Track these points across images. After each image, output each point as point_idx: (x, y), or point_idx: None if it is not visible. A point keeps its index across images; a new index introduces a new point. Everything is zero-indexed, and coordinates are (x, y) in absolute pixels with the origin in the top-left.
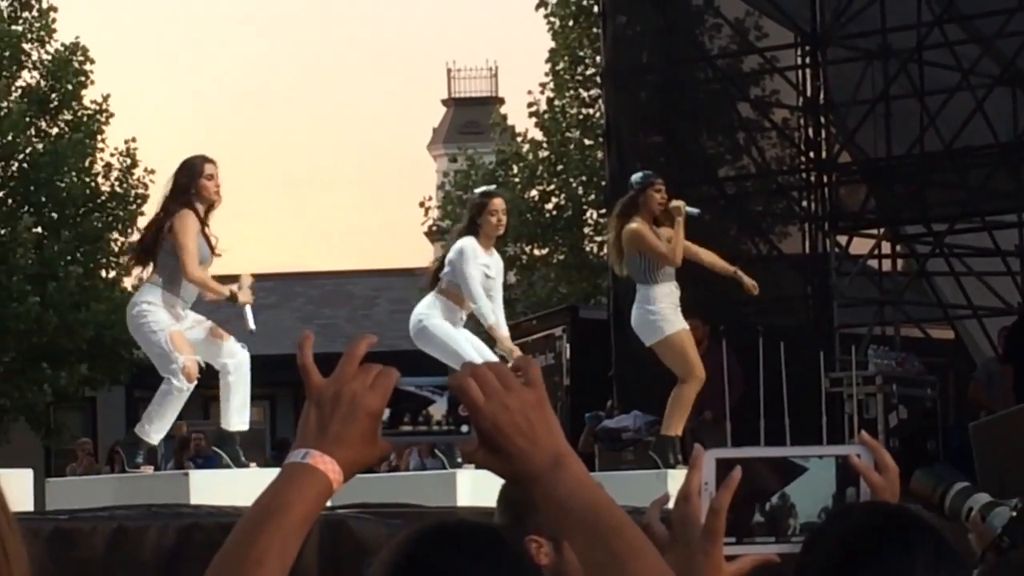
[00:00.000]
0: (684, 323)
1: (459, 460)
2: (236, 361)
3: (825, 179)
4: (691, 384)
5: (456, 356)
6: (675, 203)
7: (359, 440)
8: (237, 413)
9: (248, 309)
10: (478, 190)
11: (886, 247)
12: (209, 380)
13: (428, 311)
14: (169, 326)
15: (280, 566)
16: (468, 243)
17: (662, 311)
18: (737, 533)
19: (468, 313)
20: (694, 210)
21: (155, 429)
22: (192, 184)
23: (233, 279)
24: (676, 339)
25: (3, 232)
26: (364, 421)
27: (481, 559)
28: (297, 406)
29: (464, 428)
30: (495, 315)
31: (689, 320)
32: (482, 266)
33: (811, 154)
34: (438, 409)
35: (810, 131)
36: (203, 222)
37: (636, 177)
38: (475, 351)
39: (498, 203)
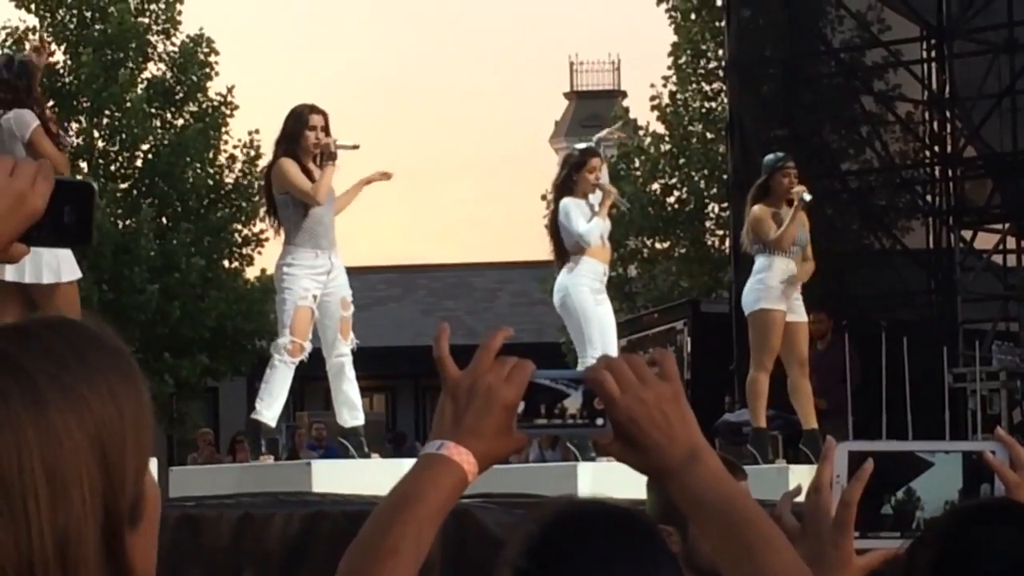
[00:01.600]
0: (783, 305)
1: (592, 454)
2: (336, 362)
3: (950, 173)
4: (756, 371)
5: (580, 341)
6: (796, 188)
7: (494, 432)
8: (347, 410)
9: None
10: (578, 146)
11: (1011, 242)
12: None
13: (567, 281)
14: (300, 299)
15: (415, 555)
16: (565, 201)
17: (768, 284)
18: (864, 526)
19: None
20: (808, 196)
21: (266, 406)
22: (297, 132)
23: (356, 271)
24: (767, 316)
25: (127, 223)
26: (499, 414)
27: (618, 540)
28: (417, 398)
29: (599, 421)
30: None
31: (814, 313)
32: (586, 211)
33: (936, 148)
34: (573, 402)
35: (935, 125)
36: (307, 170)
37: (768, 159)
38: (601, 338)
39: (595, 162)
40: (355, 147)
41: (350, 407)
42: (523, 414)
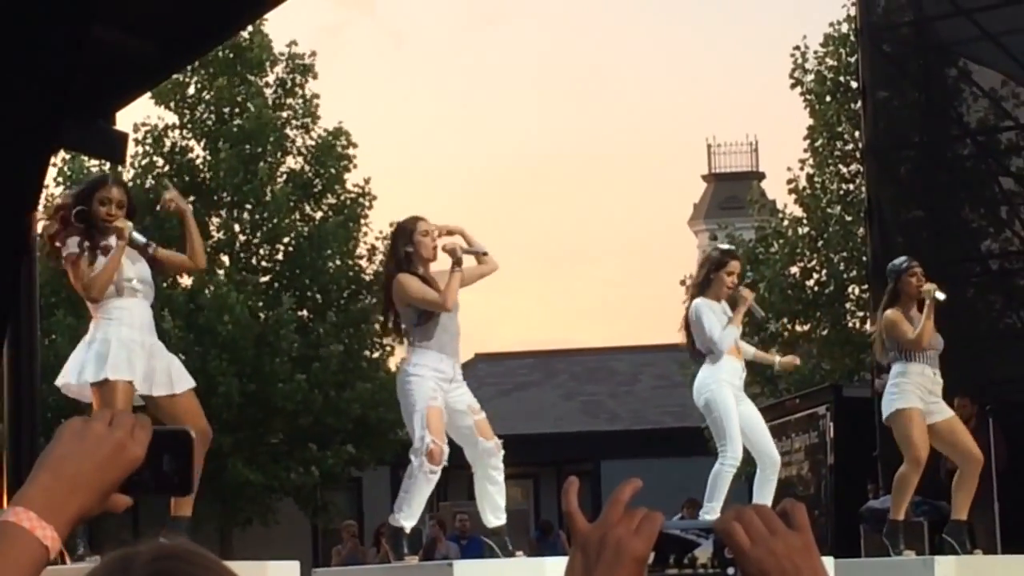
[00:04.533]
0: (920, 403)
1: None
2: (482, 463)
3: None
4: (908, 466)
5: (721, 437)
6: (926, 287)
7: None
8: (491, 511)
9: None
10: (720, 245)
11: None
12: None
13: (707, 380)
14: (430, 400)
15: None
16: (699, 303)
17: (901, 387)
18: None
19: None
20: (941, 295)
21: (405, 516)
22: (408, 244)
23: (496, 356)
24: (903, 415)
25: (268, 315)
26: (630, 566)
27: None
28: (560, 484)
29: (730, 571)
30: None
31: (956, 398)
32: (720, 316)
33: None
34: (703, 552)
35: None
36: (424, 279)
37: (893, 265)
38: (751, 435)
39: (735, 265)
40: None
41: (493, 508)
42: (653, 564)
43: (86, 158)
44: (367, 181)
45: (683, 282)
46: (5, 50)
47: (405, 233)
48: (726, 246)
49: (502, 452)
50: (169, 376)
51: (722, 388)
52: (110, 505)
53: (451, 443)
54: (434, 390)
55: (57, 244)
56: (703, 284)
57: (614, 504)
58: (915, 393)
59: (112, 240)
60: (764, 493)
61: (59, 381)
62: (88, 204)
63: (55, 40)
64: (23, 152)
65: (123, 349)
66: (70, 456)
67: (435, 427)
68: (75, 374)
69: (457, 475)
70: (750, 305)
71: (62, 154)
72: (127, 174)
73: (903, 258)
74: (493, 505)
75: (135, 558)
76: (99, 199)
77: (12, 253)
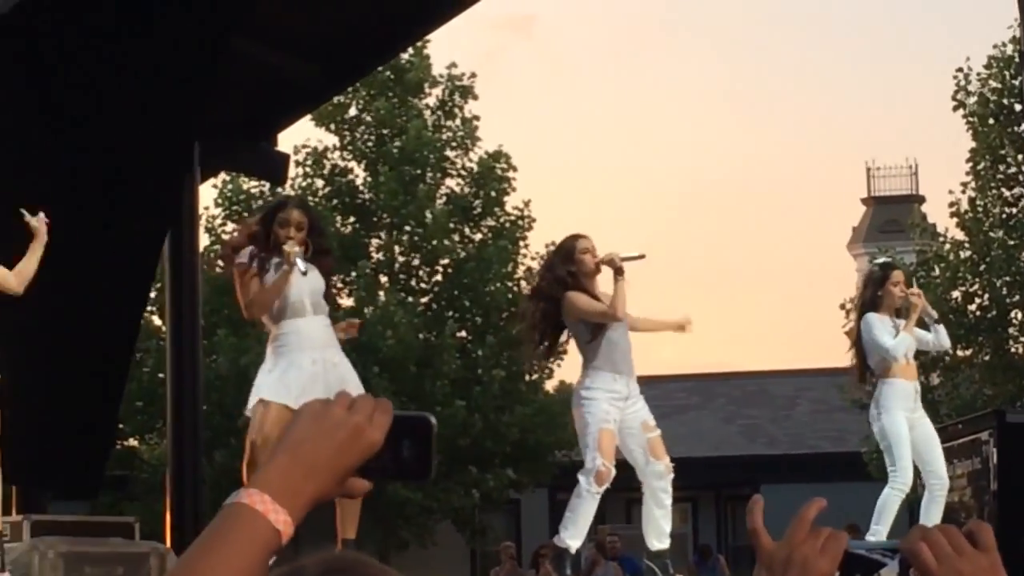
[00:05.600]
0: None
1: None
2: (653, 486)
3: None
4: None
5: (891, 461)
6: None
7: None
8: (655, 536)
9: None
10: (877, 261)
11: None
12: (631, 482)
13: (881, 406)
14: (602, 422)
15: None
16: (868, 316)
17: None
18: None
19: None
20: None
21: (571, 535)
22: (570, 264)
23: (655, 379)
24: None
25: (428, 337)
26: None
27: None
28: (718, 508)
29: None
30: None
31: None
32: (891, 329)
33: None
34: (889, 572)
35: None
36: (594, 295)
37: None
38: (926, 455)
39: (898, 274)
40: (641, 256)
41: (658, 532)
42: None
43: (245, 179)
44: (527, 204)
45: (843, 306)
46: (141, 74)
47: (566, 253)
48: (884, 259)
49: (671, 475)
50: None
51: (894, 415)
52: (348, 489)
53: (618, 465)
54: (607, 412)
55: (233, 253)
56: (871, 302)
57: (800, 523)
58: None
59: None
60: (931, 513)
61: (248, 412)
62: (269, 224)
63: (190, 61)
64: (161, 173)
65: (302, 374)
66: (308, 439)
67: (606, 449)
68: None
69: (614, 497)
70: (922, 310)
71: (222, 175)
72: (287, 194)
73: None
74: (658, 529)
75: (303, 571)
76: (279, 220)
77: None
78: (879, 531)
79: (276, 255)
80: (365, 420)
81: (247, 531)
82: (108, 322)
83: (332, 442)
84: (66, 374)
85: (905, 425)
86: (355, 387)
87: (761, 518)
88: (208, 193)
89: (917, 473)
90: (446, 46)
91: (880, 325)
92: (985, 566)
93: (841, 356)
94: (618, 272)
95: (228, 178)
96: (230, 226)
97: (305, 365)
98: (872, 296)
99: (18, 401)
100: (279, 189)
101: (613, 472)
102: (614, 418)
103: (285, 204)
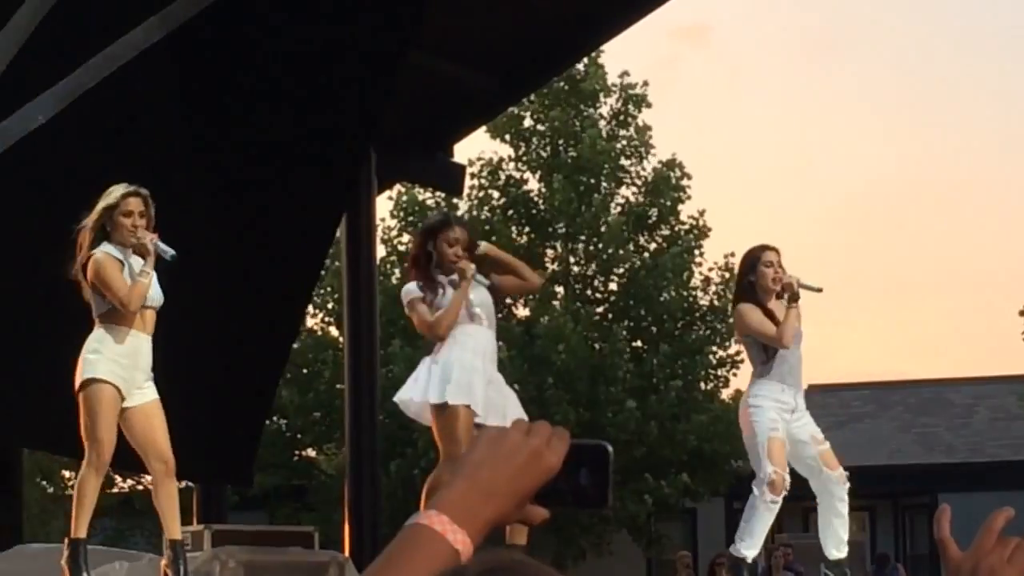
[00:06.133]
0: None
1: None
2: (829, 494)
3: None
4: None
5: None
6: None
7: None
8: (834, 545)
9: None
10: None
11: None
12: (808, 491)
13: None
14: (770, 431)
15: None
16: None
17: None
18: None
19: None
20: None
21: (747, 545)
22: (752, 274)
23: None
24: None
25: (602, 345)
26: None
27: None
28: (896, 517)
29: None
30: None
31: None
32: None
33: None
34: None
35: None
36: (765, 310)
37: None
38: None
39: None
40: (819, 290)
41: (836, 541)
42: None
43: (420, 190)
44: (701, 213)
45: (1022, 312)
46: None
47: (751, 261)
48: None
49: (847, 484)
50: (504, 413)
51: None
52: (526, 515)
53: (792, 474)
54: (775, 420)
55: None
56: None
57: (987, 532)
58: None
59: (446, 277)
60: None
61: (399, 396)
62: (434, 244)
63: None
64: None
65: (465, 373)
66: (486, 463)
67: (777, 457)
68: (419, 392)
69: (791, 507)
70: None
71: (398, 187)
72: (463, 205)
73: None
74: (836, 538)
75: (463, 572)
76: (446, 240)
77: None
78: None
79: (445, 274)
80: (543, 444)
81: (427, 550)
82: (270, 316)
83: (510, 465)
84: (225, 363)
85: None
86: (516, 413)
87: (948, 528)
88: (384, 205)
89: None
90: (621, 55)
91: None
92: None
93: (1021, 363)
94: (793, 298)
95: (404, 189)
96: (406, 237)
97: (476, 372)
98: None
99: (178, 391)
100: (455, 200)
101: (788, 480)
102: (782, 427)
103: (449, 223)
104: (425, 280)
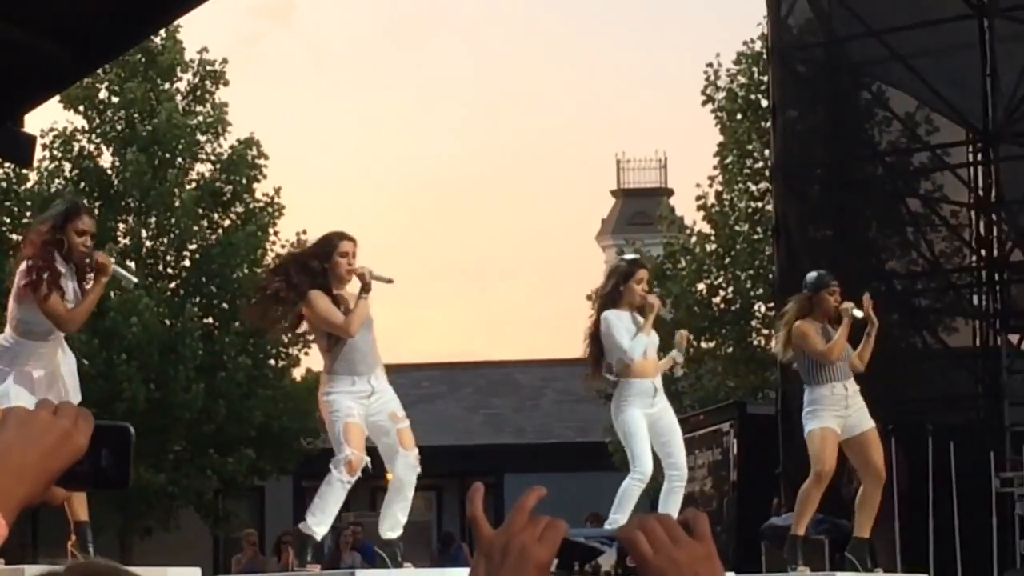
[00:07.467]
0: (834, 422)
1: None
2: (400, 476)
3: (996, 277)
4: (811, 480)
5: (631, 457)
6: (844, 305)
7: None
8: (389, 525)
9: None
10: (626, 256)
11: None
12: (378, 471)
13: (618, 403)
14: (347, 416)
15: None
16: (608, 315)
17: (815, 411)
18: None
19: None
20: (858, 313)
21: (318, 522)
22: (326, 261)
23: (402, 367)
24: (815, 434)
25: (173, 322)
26: (533, 573)
27: None
28: (463, 497)
29: None
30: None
31: None
32: (630, 326)
33: (982, 252)
34: (607, 559)
35: (981, 228)
36: (335, 299)
37: (812, 278)
38: (649, 455)
39: (643, 273)
40: (390, 281)
41: (392, 523)
42: (557, 571)
43: None
44: (277, 191)
45: (589, 297)
46: None
47: (327, 248)
48: (632, 255)
49: (418, 468)
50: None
51: (630, 410)
52: (48, 497)
53: (369, 454)
54: (350, 408)
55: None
56: (611, 295)
57: (518, 511)
58: (829, 413)
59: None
60: (670, 504)
61: None
62: (64, 234)
63: None
64: None
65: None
66: (16, 444)
67: (354, 440)
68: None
69: (359, 486)
70: (658, 310)
71: None
72: (32, 177)
73: (822, 272)
74: (393, 519)
75: None
76: (75, 230)
77: None
78: (617, 520)
79: (77, 267)
80: (71, 425)
81: None
82: None
83: (40, 446)
84: None
85: (642, 421)
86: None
87: (481, 506)
88: None
89: (659, 462)
90: (201, 31)
91: (619, 325)
92: (700, 555)
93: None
94: (365, 288)
95: None
96: None
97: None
98: (614, 290)
99: None
100: (24, 172)
101: (365, 460)
102: (358, 412)
103: (78, 212)
104: (52, 269)
